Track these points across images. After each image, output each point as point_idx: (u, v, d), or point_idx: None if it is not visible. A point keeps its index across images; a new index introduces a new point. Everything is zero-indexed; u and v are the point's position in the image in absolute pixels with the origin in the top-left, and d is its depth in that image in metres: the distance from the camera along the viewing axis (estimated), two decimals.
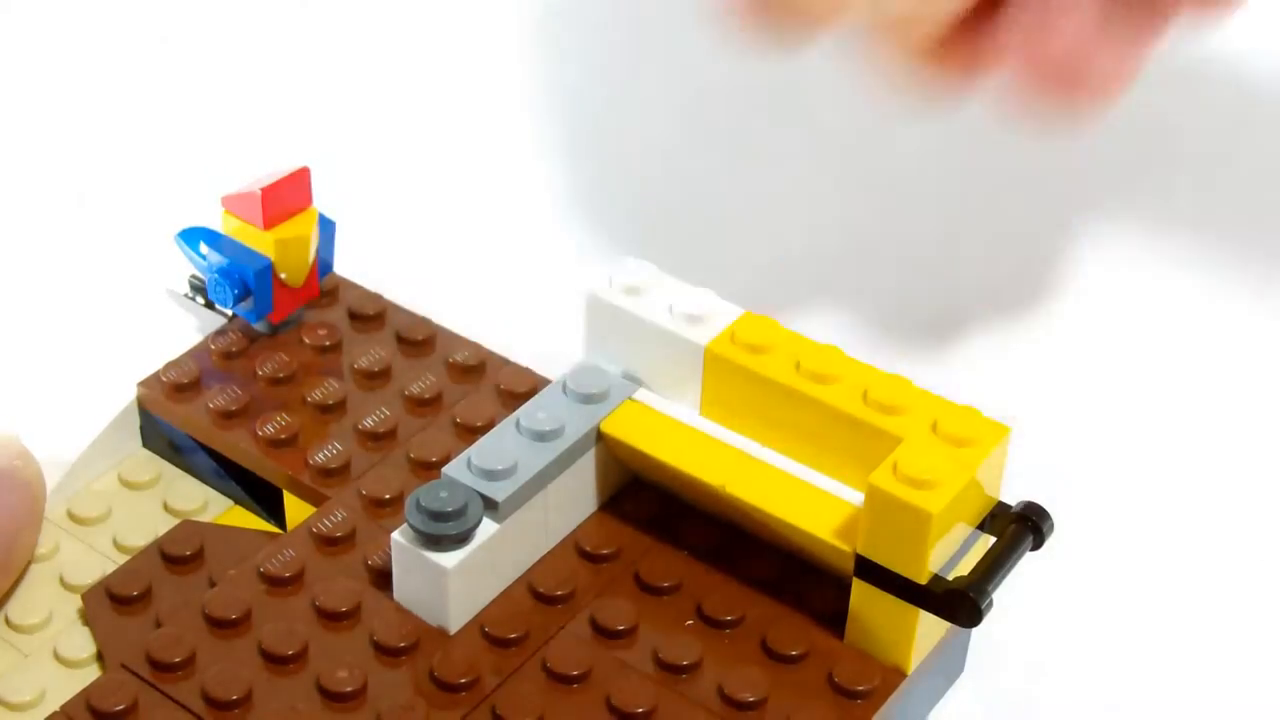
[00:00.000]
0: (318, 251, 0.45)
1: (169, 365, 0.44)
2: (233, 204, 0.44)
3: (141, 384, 0.44)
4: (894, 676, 0.37)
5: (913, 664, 0.37)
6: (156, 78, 0.59)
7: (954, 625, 0.37)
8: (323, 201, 0.45)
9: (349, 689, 0.36)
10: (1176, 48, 0.43)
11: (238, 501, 0.43)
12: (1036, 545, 0.37)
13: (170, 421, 0.43)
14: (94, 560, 0.41)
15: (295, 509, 0.42)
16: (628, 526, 0.40)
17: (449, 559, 0.37)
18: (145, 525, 0.42)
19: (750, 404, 0.39)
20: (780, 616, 0.38)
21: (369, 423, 0.42)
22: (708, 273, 0.43)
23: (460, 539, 0.37)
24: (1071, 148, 0.55)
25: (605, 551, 0.39)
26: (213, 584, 0.39)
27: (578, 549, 0.39)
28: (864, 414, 0.37)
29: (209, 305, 0.46)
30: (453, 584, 0.37)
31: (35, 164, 0.56)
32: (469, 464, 0.38)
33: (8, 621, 0.39)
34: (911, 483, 0.35)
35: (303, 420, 0.43)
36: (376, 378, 0.44)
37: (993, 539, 0.37)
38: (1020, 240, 0.54)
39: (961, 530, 0.37)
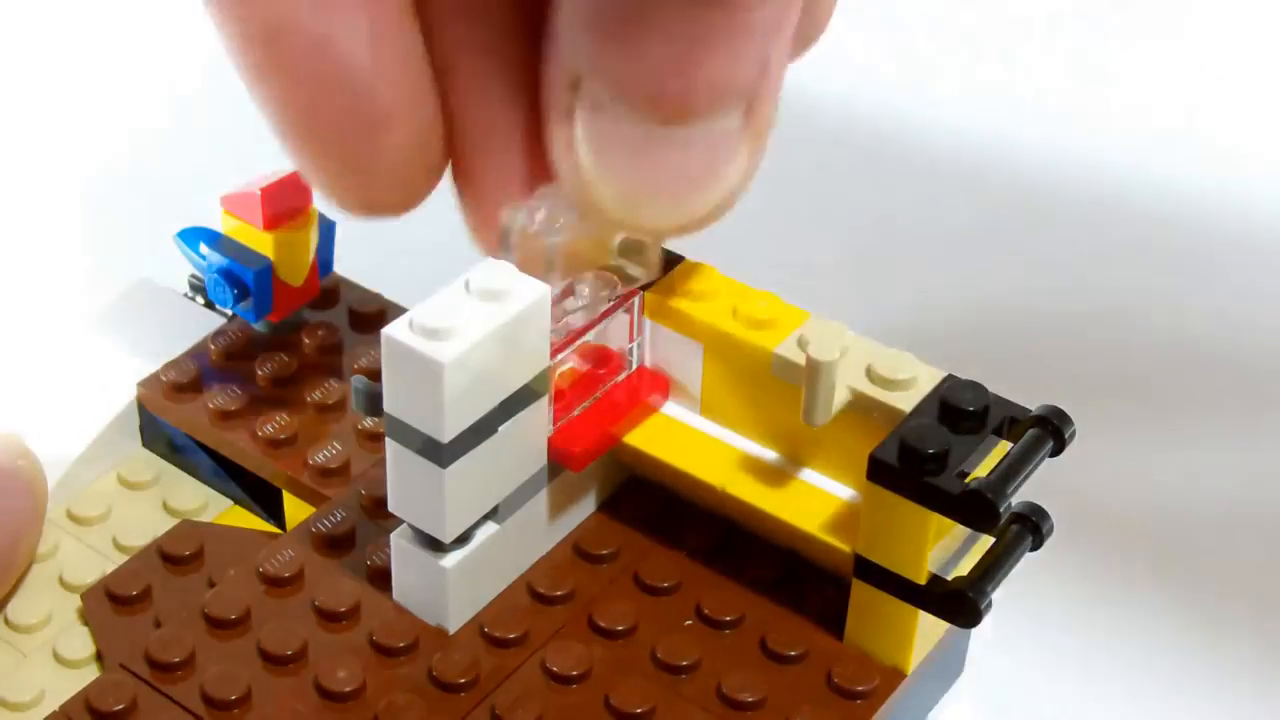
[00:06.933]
0: (318, 251, 0.45)
1: (169, 365, 0.44)
2: (232, 204, 0.44)
3: (141, 384, 0.44)
4: (893, 677, 0.37)
5: (912, 664, 0.37)
6: (157, 77, 0.59)
7: (953, 625, 0.37)
8: (323, 202, 0.45)
9: (348, 689, 0.36)
10: None
11: (237, 501, 0.43)
12: (1036, 546, 0.37)
13: (170, 421, 0.43)
14: (93, 560, 0.41)
15: (295, 509, 0.42)
16: (627, 526, 0.40)
17: (448, 559, 0.37)
18: (145, 525, 0.42)
19: (750, 402, 0.39)
20: (780, 617, 0.38)
21: (369, 423, 0.42)
22: None
23: (460, 539, 0.37)
24: (1074, 150, 0.55)
25: (604, 551, 0.39)
26: (212, 584, 0.39)
27: (577, 549, 0.39)
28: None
29: (209, 305, 0.46)
30: (452, 584, 0.37)
31: (35, 164, 0.56)
32: None
33: (7, 621, 0.39)
34: None
35: (302, 420, 0.43)
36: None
37: (992, 539, 0.37)
38: (1036, 244, 0.54)
39: (961, 531, 0.37)
